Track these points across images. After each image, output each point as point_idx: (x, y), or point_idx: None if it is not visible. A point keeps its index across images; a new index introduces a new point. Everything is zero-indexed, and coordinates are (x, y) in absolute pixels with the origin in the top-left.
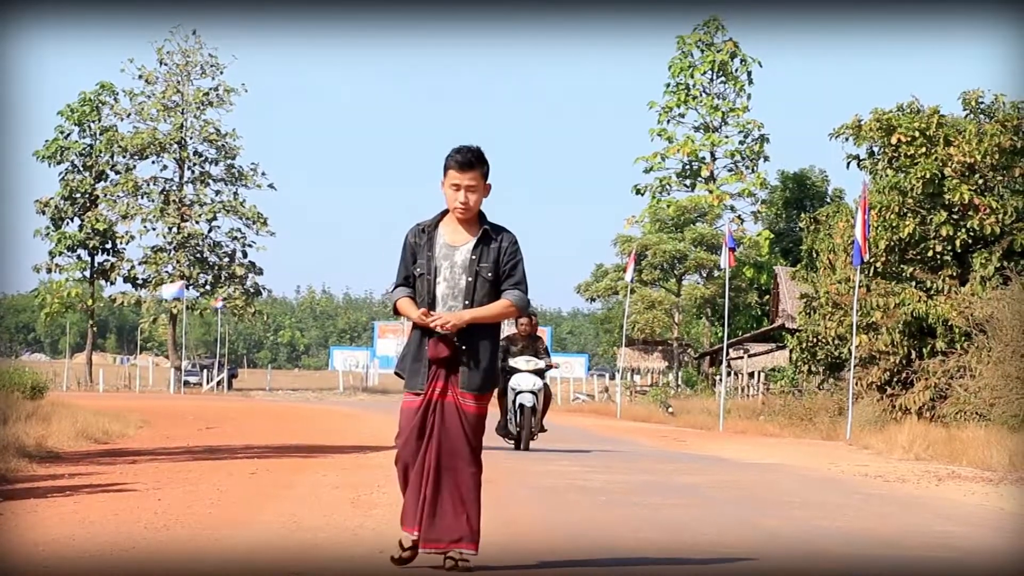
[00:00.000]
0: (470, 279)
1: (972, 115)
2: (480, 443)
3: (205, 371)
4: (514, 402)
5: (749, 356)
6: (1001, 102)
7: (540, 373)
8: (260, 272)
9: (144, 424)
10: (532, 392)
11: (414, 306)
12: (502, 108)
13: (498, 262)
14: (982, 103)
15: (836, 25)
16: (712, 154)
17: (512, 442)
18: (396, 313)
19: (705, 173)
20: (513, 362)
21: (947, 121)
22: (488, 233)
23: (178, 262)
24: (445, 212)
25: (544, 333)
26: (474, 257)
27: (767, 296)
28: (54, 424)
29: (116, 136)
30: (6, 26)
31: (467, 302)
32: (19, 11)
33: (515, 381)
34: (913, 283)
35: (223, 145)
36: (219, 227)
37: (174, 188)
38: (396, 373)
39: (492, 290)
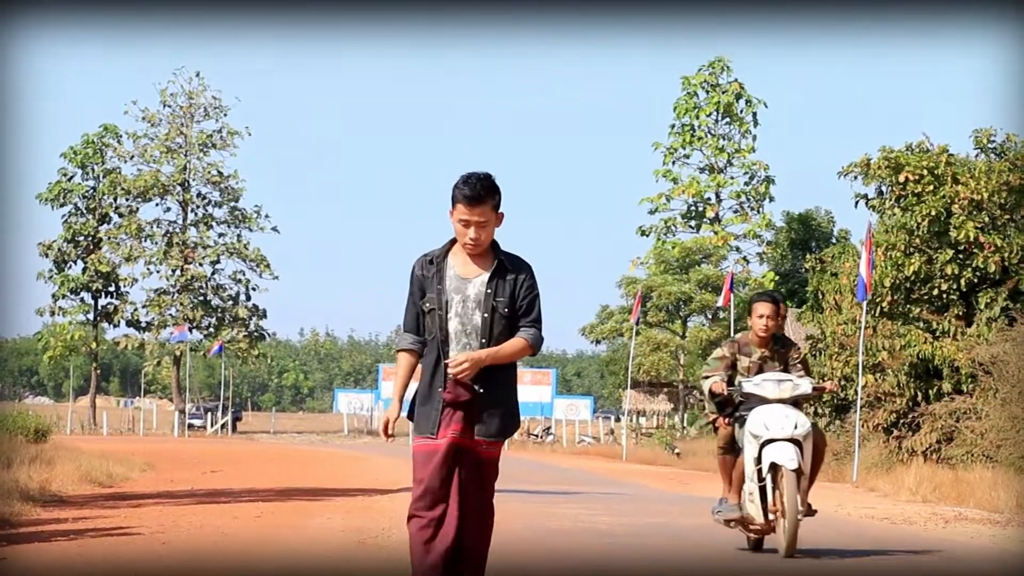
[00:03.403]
0: (486, 315)
1: (983, 153)
2: (494, 491)
3: (209, 414)
4: (758, 460)
5: None
6: (1013, 141)
7: (799, 403)
8: (263, 315)
9: (148, 467)
10: (793, 441)
11: (407, 369)
12: (506, 147)
13: (514, 296)
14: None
15: (842, 67)
16: (717, 195)
17: (750, 535)
18: None
19: (710, 214)
20: (751, 385)
21: (956, 160)
22: (503, 264)
23: (181, 304)
24: (453, 241)
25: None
26: (489, 291)
27: None
28: (58, 467)
29: (119, 178)
30: (9, 71)
31: (484, 340)
32: (22, 56)
33: (757, 421)
34: (920, 324)
35: (226, 187)
36: (222, 270)
37: (177, 230)
38: (409, 417)
39: (509, 326)
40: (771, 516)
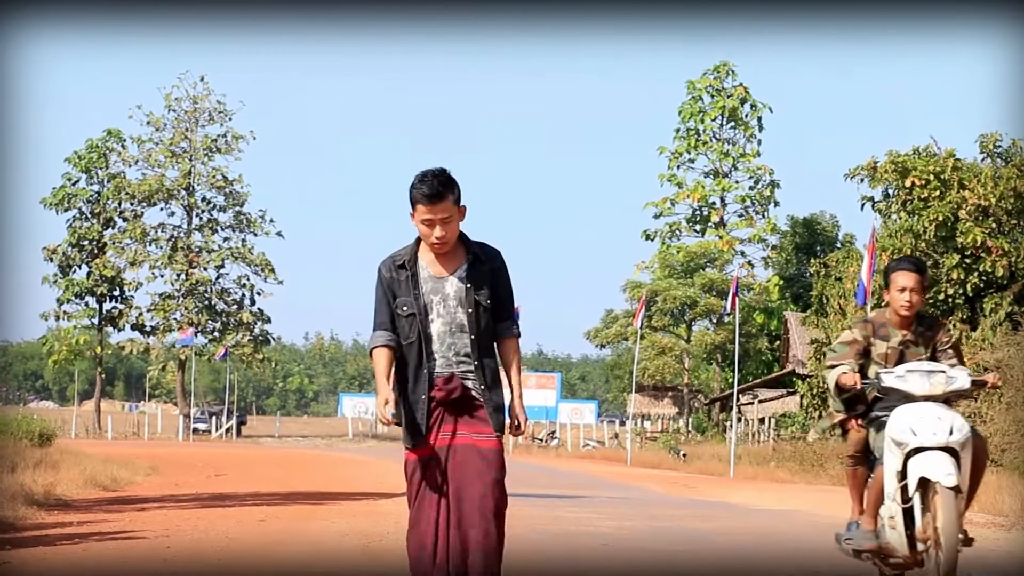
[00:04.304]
0: (471, 310)
1: (989, 158)
2: (504, 479)
3: (214, 418)
4: (902, 475)
5: (759, 402)
6: (1018, 147)
7: (951, 401)
8: (268, 320)
9: (153, 471)
10: (949, 451)
11: (388, 362)
12: (512, 151)
13: (494, 287)
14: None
15: (847, 71)
16: (722, 199)
17: (887, 570)
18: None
19: (715, 218)
20: (893, 378)
21: (963, 165)
22: (479, 256)
23: (186, 309)
24: (419, 240)
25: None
26: (469, 286)
27: (777, 342)
28: (62, 471)
29: (124, 183)
30: (14, 75)
31: (472, 336)
32: (27, 61)
33: (901, 424)
34: None
35: (231, 192)
36: (227, 274)
37: (182, 235)
38: (396, 422)
39: (490, 317)
40: (919, 546)
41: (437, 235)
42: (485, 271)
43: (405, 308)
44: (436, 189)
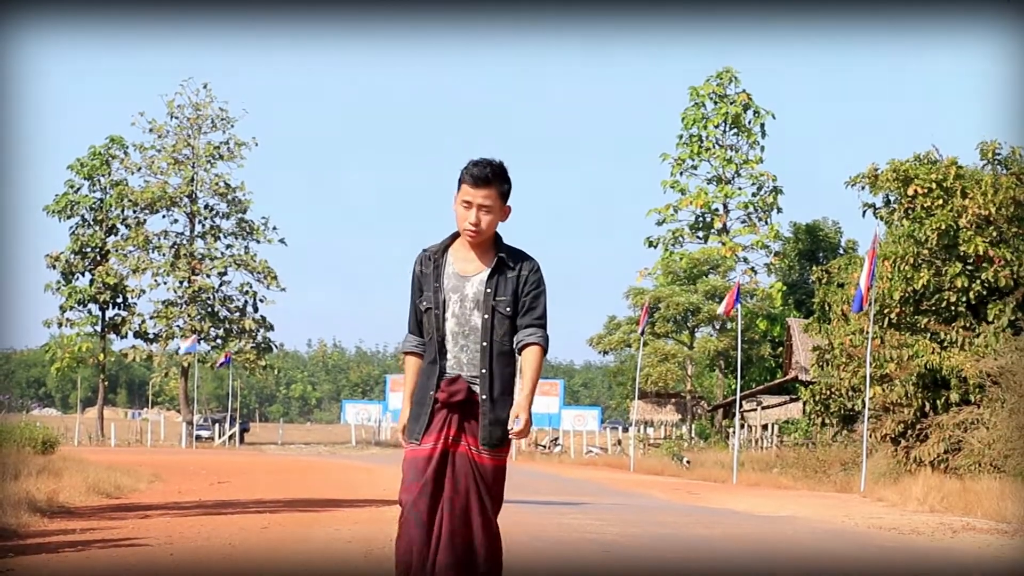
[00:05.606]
0: (486, 316)
1: (989, 165)
2: (499, 499)
3: (217, 425)
4: None
5: (762, 408)
6: (1017, 154)
7: None
8: (271, 327)
9: (156, 478)
10: None
11: (414, 374)
12: (515, 157)
13: (517, 294)
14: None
15: (849, 77)
16: (725, 206)
17: None
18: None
19: (718, 225)
20: None
21: (964, 173)
22: (504, 261)
23: (189, 316)
24: (455, 236)
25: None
26: (489, 290)
27: (780, 348)
28: (65, 479)
29: (126, 190)
30: (17, 82)
31: (484, 343)
32: (30, 68)
33: None
34: (927, 335)
35: (233, 199)
36: (230, 281)
37: (184, 242)
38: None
39: (511, 326)
40: None
41: (472, 220)
42: (510, 277)
43: (425, 304)
44: (484, 174)
